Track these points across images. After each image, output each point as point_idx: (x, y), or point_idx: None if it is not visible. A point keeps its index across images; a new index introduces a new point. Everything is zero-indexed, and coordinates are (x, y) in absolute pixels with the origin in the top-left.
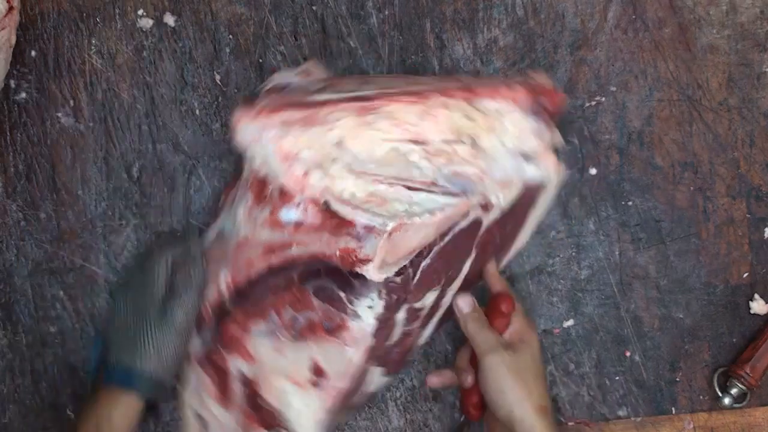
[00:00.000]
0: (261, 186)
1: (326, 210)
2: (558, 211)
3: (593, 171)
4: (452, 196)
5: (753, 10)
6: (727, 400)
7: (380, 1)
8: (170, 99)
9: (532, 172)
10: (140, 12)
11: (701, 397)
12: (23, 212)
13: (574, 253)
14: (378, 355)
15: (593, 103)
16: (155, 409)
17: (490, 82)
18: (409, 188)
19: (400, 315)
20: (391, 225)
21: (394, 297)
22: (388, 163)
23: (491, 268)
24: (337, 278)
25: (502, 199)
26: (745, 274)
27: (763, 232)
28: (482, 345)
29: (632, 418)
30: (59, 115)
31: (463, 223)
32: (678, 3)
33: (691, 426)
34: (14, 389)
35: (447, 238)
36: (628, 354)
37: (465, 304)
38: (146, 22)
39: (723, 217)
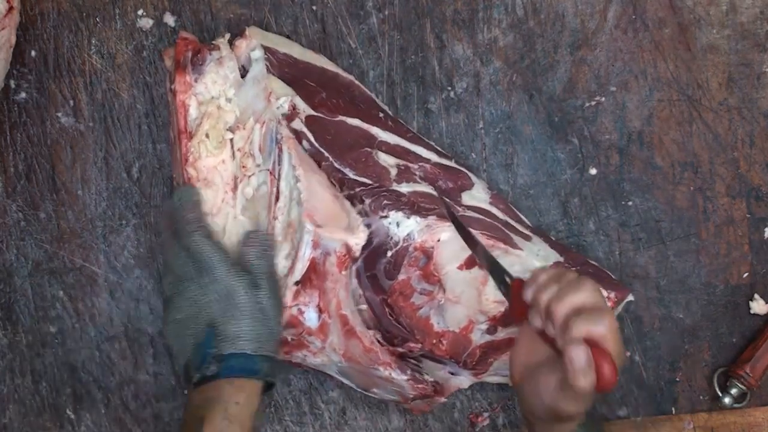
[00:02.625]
0: None
1: None
2: (558, 211)
3: (593, 171)
4: None
5: (753, 10)
6: (727, 400)
7: (380, 1)
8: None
9: None
10: (140, 12)
11: (701, 397)
12: (23, 212)
13: None
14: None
15: (593, 103)
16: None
17: None
18: None
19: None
20: None
21: None
22: None
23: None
24: None
25: None
26: (745, 274)
27: (763, 232)
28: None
29: (632, 418)
30: (59, 115)
31: None
32: (678, 3)
33: (691, 426)
34: (14, 389)
35: None
36: (628, 354)
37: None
38: (146, 22)
39: (723, 217)
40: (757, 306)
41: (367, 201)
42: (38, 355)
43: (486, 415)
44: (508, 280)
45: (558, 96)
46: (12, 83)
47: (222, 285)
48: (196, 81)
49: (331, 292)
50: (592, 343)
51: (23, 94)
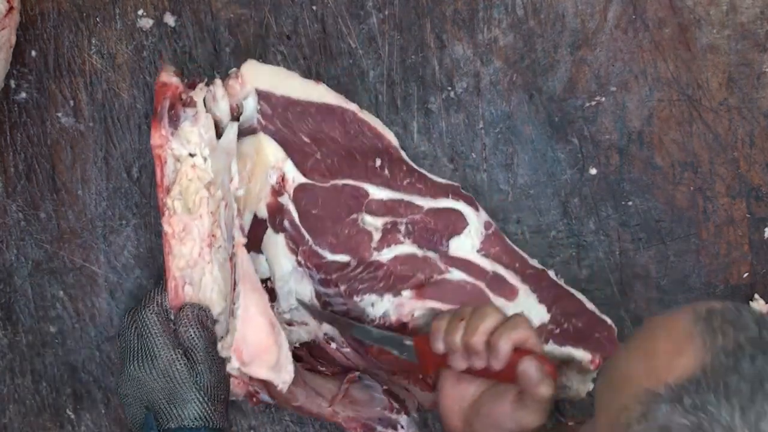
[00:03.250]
0: None
1: None
2: (558, 211)
3: (593, 171)
4: None
5: (753, 10)
6: None
7: (380, 1)
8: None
9: None
10: (140, 12)
11: None
12: (23, 212)
13: (574, 253)
14: None
15: (593, 103)
16: None
17: None
18: None
19: None
20: None
21: None
22: None
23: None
24: None
25: None
26: (745, 274)
27: (763, 232)
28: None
29: None
30: (59, 115)
31: None
32: (678, 3)
33: None
34: (14, 389)
35: None
36: None
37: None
38: (146, 22)
39: (723, 217)
40: (757, 306)
41: (342, 287)
42: (38, 355)
43: None
44: (407, 342)
45: (558, 96)
46: (12, 83)
47: (162, 370)
48: (172, 135)
49: (277, 393)
50: (522, 351)
51: (23, 94)
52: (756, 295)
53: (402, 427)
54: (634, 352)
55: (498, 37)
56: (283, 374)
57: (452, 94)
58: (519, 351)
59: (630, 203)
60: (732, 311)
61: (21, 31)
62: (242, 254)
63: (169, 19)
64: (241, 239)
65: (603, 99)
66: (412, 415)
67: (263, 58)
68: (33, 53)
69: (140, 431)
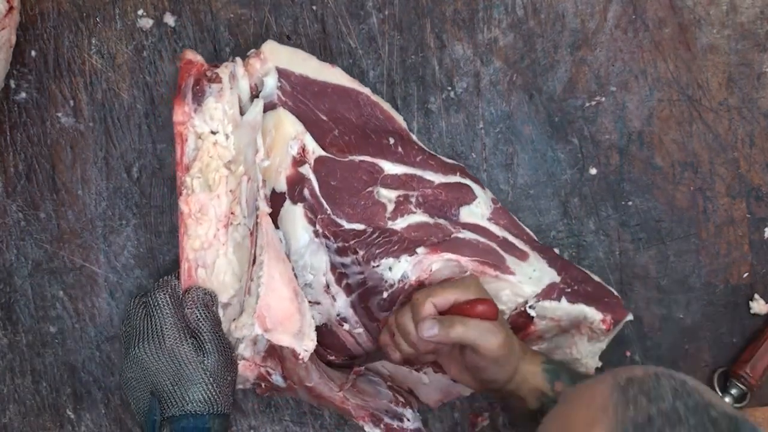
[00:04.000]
0: None
1: None
2: (558, 211)
3: (593, 171)
4: None
5: (753, 10)
6: (727, 400)
7: (380, 1)
8: (170, 99)
9: None
10: (140, 12)
11: None
12: (23, 212)
13: (574, 253)
14: None
15: (593, 103)
16: None
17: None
18: None
19: None
20: None
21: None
22: None
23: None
24: None
25: None
26: (745, 274)
27: (763, 232)
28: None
29: None
30: (59, 115)
31: None
32: (678, 3)
33: None
34: (14, 389)
35: None
36: (628, 354)
37: (429, 328)
38: (146, 22)
39: (723, 217)
40: (757, 306)
41: (360, 252)
42: (38, 355)
43: (486, 415)
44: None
45: (558, 96)
46: (12, 83)
47: (168, 351)
48: (195, 112)
49: (292, 370)
50: (460, 307)
51: (23, 94)
52: (756, 295)
53: (408, 419)
54: (555, 419)
55: (498, 37)
56: (306, 341)
57: (452, 94)
58: (458, 308)
59: (630, 203)
60: (650, 381)
61: (21, 31)
62: (267, 223)
63: (169, 19)
64: (266, 209)
65: (603, 99)
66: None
67: None
68: (33, 53)
69: (144, 418)
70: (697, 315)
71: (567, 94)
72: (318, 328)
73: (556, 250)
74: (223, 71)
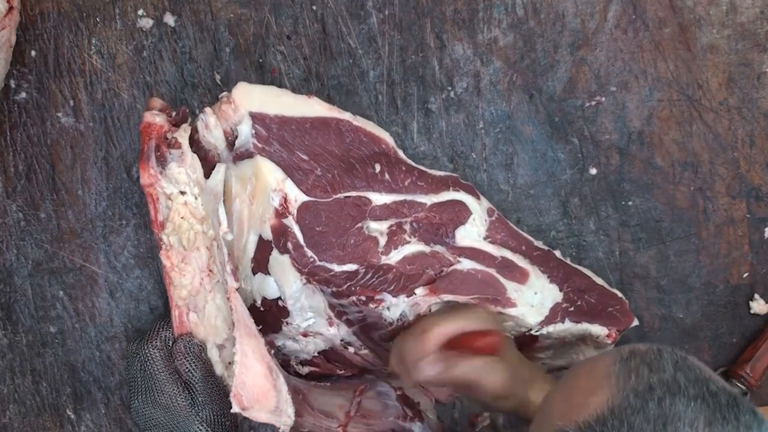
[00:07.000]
0: None
1: None
2: (558, 211)
3: (593, 171)
4: None
5: (753, 10)
6: None
7: (380, 1)
8: (170, 99)
9: None
10: (140, 12)
11: None
12: (23, 212)
13: (574, 253)
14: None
15: (593, 103)
16: None
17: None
18: None
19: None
20: None
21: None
22: None
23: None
24: None
25: None
26: (745, 274)
27: (763, 232)
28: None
29: None
30: (59, 115)
31: None
32: (678, 3)
33: None
34: (14, 389)
35: None
36: None
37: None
38: (146, 22)
39: (723, 217)
40: (757, 306)
41: (354, 297)
42: (38, 355)
43: (486, 415)
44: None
45: (558, 96)
46: (12, 83)
47: (164, 406)
48: (161, 174)
49: None
50: (465, 337)
51: (23, 94)
52: (756, 295)
53: None
54: (560, 388)
55: (498, 37)
56: (283, 417)
57: (452, 94)
58: (455, 342)
59: (630, 203)
60: (653, 353)
61: (21, 31)
62: (235, 300)
63: (169, 19)
64: (233, 284)
65: (603, 99)
66: (426, 417)
67: (263, 58)
68: (33, 53)
69: None
70: (697, 315)
71: (567, 94)
72: (324, 350)
73: (557, 252)
74: (182, 135)
